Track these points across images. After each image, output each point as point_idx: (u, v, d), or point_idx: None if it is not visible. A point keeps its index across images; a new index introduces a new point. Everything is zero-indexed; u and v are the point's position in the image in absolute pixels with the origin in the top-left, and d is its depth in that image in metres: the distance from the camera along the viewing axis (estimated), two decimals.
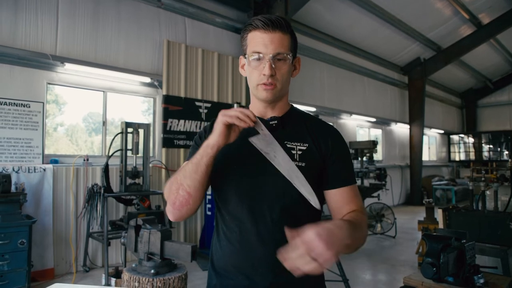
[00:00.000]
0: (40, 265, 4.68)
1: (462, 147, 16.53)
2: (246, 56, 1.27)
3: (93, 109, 5.88)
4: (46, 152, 5.03)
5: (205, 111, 6.62)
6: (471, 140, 16.29)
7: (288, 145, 1.26)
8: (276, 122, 1.29)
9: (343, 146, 1.33)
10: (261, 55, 1.21)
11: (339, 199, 1.28)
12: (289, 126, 1.31)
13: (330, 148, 1.29)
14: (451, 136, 16.43)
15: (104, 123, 5.73)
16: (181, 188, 1.18)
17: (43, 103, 4.91)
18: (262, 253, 1.21)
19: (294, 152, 1.25)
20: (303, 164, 1.24)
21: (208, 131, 1.35)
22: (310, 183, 1.22)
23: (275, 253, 1.20)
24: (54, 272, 4.82)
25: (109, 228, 4.72)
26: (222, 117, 1.12)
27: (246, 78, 1.32)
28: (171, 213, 1.22)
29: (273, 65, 1.20)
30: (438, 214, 3.48)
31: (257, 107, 1.34)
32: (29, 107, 4.80)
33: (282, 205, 1.21)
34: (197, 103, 6.53)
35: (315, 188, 1.24)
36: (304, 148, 1.27)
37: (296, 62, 1.31)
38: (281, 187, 1.22)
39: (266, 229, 1.22)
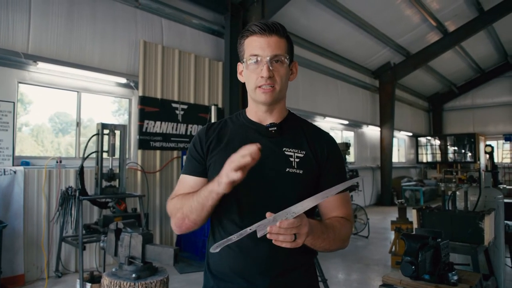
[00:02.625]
0: (10, 271, 4.49)
1: (429, 149, 17.16)
2: (244, 60, 1.28)
3: (60, 109, 5.70)
4: (15, 153, 4.84)
5: (182, 112, 6.58)
6: (437, 142, 16.94)
7: (287, 152, 1.29)
8: (275, 128, 1.30)
9: (338, 154, 1.37)
10: (258, 58, 1.24)
11: (329, 205, 1.32)
12: (287, 132, 1.33)
13: (326, 156, 1.32)
14: (419, 139, 17.04)
15: (78, 124, 5.58)
16: (187, 219, 1.24)
17: (13, 102, 4.73)
18: (261, 256, 1.23)
19: (292, 159, 1.28)
20: (301, 172, 1.27)
21: (202, 138, 1.36)
22: (306, 189, 1.25)
23: (273, 256, 1.24)
24: (25, 278, 4.64)
25: (84, 232, 4.60)
26: (227, 177, 1.07)
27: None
28: (175, 231, 1.32)
29: (270, 67, 1.23)
30: (412, 214, 3.61)
31: (254, 112, 1.35)
32: None
33: (281, 208, 1.23)
34: (174, 105, 6.47)
35: (311, 194, 1.28)
36: (302, 155, 1.30)
37: (293, 66, 1.34)
38: (280, 191, 1.24)
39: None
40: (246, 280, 1.24)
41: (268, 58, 1.23)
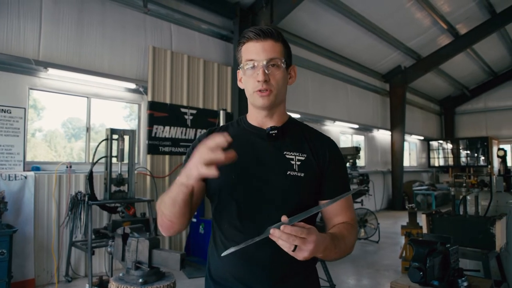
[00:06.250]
0: (20, 275, 4.54)
1: (441, 153, 16.91)
2: (241, 66, 1.29)
3: (72, 115, 5.78)
4: (26, 159, 4.91)
5: (191, 117, 6.61)
6: (449, 146, 16.69)
7: (287, 156, 1.28)
8: (276, 132, 1.30)
9: (339, 158, 1.37)
10: (255, 62, 1.25)
11: (332, 210, 1.31)
12: (288, 136, 1.33)
13: (328, 160, 1.32)
14: (431, 142, 16.81)
15: (88, 129, 5.65)
16: (164, 216, 1.21)
17: (24, 108, 4.81)
18: (261, 262, 1.22)
19: (293, 162, 1.27)
20: (302, 174, 1.26)
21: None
22: (308, 192, 1.25)
23: (274, 262, 1.22)
24: (35, 282, 4.69)
25: (93, 236, 4.64)
26: (197, 171, 1.02)
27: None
28: (161, 232, 1.28)
29: (266, 71, 1.23)
30: (422, 219, 3.56)
31: (255, 117, 1.36)
32: (10, 112, 4.69)
33: (282, 214, 1.19)
34: (183, 110, 6.51)
35: (312, 197, 1.27)
36: (303, 158, 1.29)
37: (292, 70, 1.35)
38: (281, 196, 1.24)
39: (266, 238, 1.23)
40: (246, 286, 1.23)
41: (263, 62, 1.24)
